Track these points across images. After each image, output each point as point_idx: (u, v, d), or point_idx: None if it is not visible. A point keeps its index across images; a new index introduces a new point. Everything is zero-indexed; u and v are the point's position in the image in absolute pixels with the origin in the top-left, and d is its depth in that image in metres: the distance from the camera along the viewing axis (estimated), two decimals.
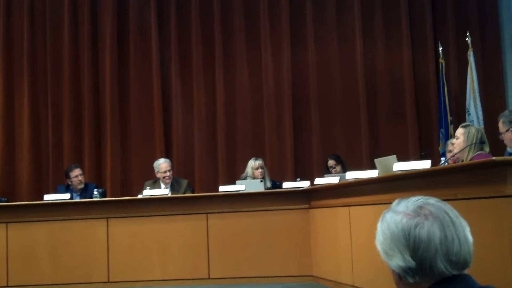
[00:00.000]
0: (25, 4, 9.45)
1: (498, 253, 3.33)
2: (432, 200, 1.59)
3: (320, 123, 9.18)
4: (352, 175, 5.83)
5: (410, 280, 1.54)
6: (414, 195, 1.65)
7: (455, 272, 1.52)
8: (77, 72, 9.39)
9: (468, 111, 8.39)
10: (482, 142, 5.02)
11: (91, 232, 6.99)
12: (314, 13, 9.35)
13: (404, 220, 1.55)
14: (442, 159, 6.48)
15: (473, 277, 1.57)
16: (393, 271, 1.60)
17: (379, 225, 1.63)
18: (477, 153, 4.97)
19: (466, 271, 1.56)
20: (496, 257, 3.33)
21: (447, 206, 1.58)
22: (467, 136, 5.09)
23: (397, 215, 1.58)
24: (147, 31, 9.41)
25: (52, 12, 9.45)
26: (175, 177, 7.96)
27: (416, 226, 1.53)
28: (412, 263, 1.51)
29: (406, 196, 1.66)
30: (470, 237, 1.57)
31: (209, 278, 6.81)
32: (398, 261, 1.54)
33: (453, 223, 1.54)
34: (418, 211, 1.56)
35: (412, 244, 1.52)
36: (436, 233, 1.51)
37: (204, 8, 9.43)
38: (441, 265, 1.50)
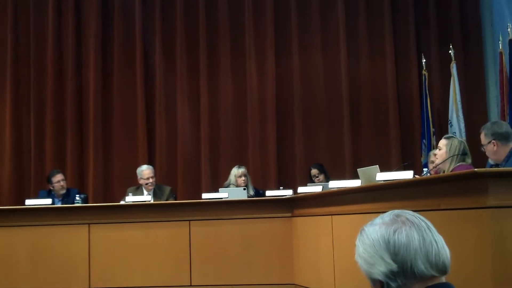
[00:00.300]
0: (8, 9, 9.40)
1: (479, 264, 3.36)
2: (407, 211, 1.65)
3: (303, 132, 9.22)
4: (335, 184, 5.85)
5: (393, 285, 1.56)
6: (396, 205, 1.70)
7: (435, 274, 1.55)
8: (60, 77, 9.36)
9: (450, 122, 8.47)
10: (464, 154, 5.06)
11: (72, 238, 6.95)
12: (299, 23, 9.41)
13: (383, 228, 1.60)
14: (424, 169, 6.52)
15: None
16: (374, 285, 1.62)
17: (357, 239, 1.67)
18: (459, 164, 5.02)
19: (445, 278, 1.59)
20: (477, 268, 3.36)
21: (422, 217, 1.63)
22: (450, 148, 5.13)
23: (375, 225, 1.63)
24: (132, 39, 9.42)
25: (35, 17, 9.43)
26: (158, 184, 7.94)
27: (394, 231, 1.57)
28: (393, 265, 1.54)
29: (388, 206, 1.70)
30: (446, 246, 1.61)
31: (191, 285, 6.80)
32: (380, 267, 1.57)
33: (429, 228, 1.59)
34: (395, 218, 1.61)
35: (392, 247, 1.56)
36: (415, 236, 1.56)
37: (189, 16, 9.44)
38: (422, 265, 1.54)
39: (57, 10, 9.43)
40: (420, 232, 1.57)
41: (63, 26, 9.45)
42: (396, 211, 1.64)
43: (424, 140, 8.62)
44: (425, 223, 1.60)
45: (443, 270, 1.57)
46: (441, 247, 1.58)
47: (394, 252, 1.55)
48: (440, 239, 1.59)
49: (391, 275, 1.56)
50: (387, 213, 1.65)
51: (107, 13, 9.51)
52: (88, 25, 9.42)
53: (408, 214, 1.62)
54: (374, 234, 1.60)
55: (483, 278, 3.34)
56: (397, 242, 1.56)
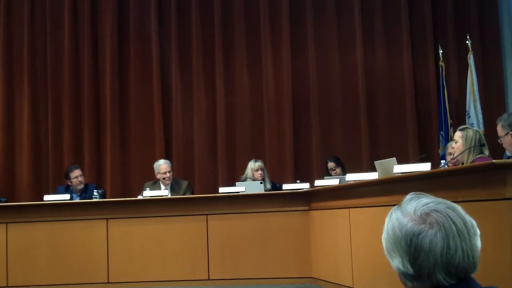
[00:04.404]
0: (25, 5, 9.45)
1: (498, 255, 3.34)
2: (442, 206, 1.55)
3: (320, 125, 9.20)
4: (352, 177, 5.83)
5: (409, 283, 1.53)
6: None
7: (454, 282, 1.49)
8: (77, 73, 9.39)
9: (468, 113, 8.41)
10: (482, 145, 5.02)
11: (90, 233, 6.99)
12: (315, 17, 9.37)
13: (409, 225, 1.53)
14: (442, 161, 6.47)
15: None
16: None
17: (386, 221, 1.59)
18: (478, 156, 4.97)
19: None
20: (496, 259, 3.33)
21: (456, 213, 1.54)
22: (466, 139, 5.09)
23: (404, 217, 1.55)
24: (148, 33, 9.42)
25: (52, 12, 9.45)
26: (175, 178, 7.97)
27: (419, 234, 1.50)
28: (410, 270, 1.50)
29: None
30: (478, 245, 1.53)
31: (208, 279, 6.82)
32: (398, 263, 1.53)
33: (459, 233, 1.50)
34: (424, 217, 1.52)
35: (412, 251, 1.50)
36: (439, 243, 1.48)
37: (204, 12, 9.44)
38: (440, 276, 1.48)
39: (74, 7, 9.46)
40: (446, 239, 1.48)
41: (79, 22, 9.47)
42: (430, 206, 1.54)
43: (441, 132, 8.56)
44: (456, 225, 1.50)
45: (466, 275, 1.51)
46: (468, 254, 1.50)
47: (414, 256, 1.49)
48: (468, 244, 1.50)
49: (407, 275, 1.52)
50: (422, 202, 1.56)
51: (123, 8, 9.52)
52: (104, 19, 9.44)
53: (440, 213, 1.52)
54: (399, 230, 1.53)
55: (502, 269, 3.32)
56: (418, 246, 1.49)
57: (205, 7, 9.45)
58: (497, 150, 5.56)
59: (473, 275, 1.53)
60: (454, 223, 1.51)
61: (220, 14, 9.39)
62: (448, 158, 6.15)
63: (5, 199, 7.61)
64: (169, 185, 7.78)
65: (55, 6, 9.47)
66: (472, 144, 5.01)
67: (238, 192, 7.05)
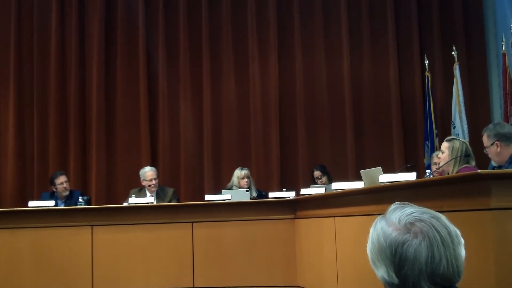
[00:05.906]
0: (12, 11, 9.39)
1: (482, 266, 3.35)
2: (426, 215, 1.56)
3: (306, 133, 9.22)
4: (338, 186, 5.85)
5: None
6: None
7: None
8: (63, 80, 9.35)
9: (453, 124, 8.46)
10: (467, 155, 5.05)
11: (75, 240, 6.94)
12: (302, 25, 9.41)
13: (393, 235, 1.53)
14: (427, 171, 6.51)
15: None
16: None
17: (371, 230, 1.59)
18: (463, 166, 5.00)
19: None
20: (480, 270, 3.35)
21: (440, 222, 1.55)
22: (452, 150, 5.12)
23: (388, 227, 1.56)
24: (135, 40, 9.40)
25: (39, 19, 9.41)
26: (161, 186, 7.95)
27: (403, 243, 1.50)
28: (395, 279, 1.50)
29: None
30: (462, 254, 1.54)
31: (194, 287, 6.79)
32: (383, 273, 1.53)
33: (443, 243, 1.51)
34: (409, 227, 1.53)
35: (397, 260, 1.50)
36: (423, 253, 1.49)
37: (191, 18, 9.44)
38: (425, 286, 1.48)
39: (60, 12, 9.42)
40: (431, 248, 1.48)
41: (66, 28, 9.43)
42: (414, 215, 1.55)
43: (427, 142, 8.62)
44: (440, 235, 1.50)
45: (450, 284, 1.51)
46: (452, 263, 1.50)
47: (399, 265, 1.50)
48: (453, 253, 1.51)
49: (392, 284, 1.52)
50: (406, 211, 1.57)
51: (110, 14, 9.49)
52: (91, 26, 9.41)
53: (424, 223, 1.53)
54: (384, 240, 1.54)
55: (486, 280, 3.33)
56: (403, 256, 1.49)
57: (192, 13, 9.45)
58: (483, 160, 5.59)
59: (457, 285, 1.54)
60: (438, 232, 1.51)
61: (208, 21, 9.39)
62: (434, 168, 6.18)
63: None
64: (155, 192, 7.76)
65: (41, 13, 9.42)
66: (458, 155, 5.04)
67: (224, 200, 7.03)
